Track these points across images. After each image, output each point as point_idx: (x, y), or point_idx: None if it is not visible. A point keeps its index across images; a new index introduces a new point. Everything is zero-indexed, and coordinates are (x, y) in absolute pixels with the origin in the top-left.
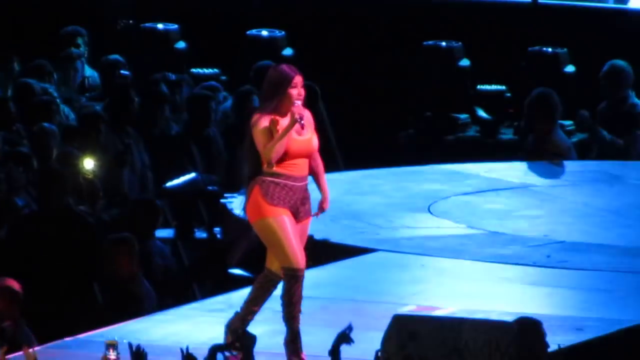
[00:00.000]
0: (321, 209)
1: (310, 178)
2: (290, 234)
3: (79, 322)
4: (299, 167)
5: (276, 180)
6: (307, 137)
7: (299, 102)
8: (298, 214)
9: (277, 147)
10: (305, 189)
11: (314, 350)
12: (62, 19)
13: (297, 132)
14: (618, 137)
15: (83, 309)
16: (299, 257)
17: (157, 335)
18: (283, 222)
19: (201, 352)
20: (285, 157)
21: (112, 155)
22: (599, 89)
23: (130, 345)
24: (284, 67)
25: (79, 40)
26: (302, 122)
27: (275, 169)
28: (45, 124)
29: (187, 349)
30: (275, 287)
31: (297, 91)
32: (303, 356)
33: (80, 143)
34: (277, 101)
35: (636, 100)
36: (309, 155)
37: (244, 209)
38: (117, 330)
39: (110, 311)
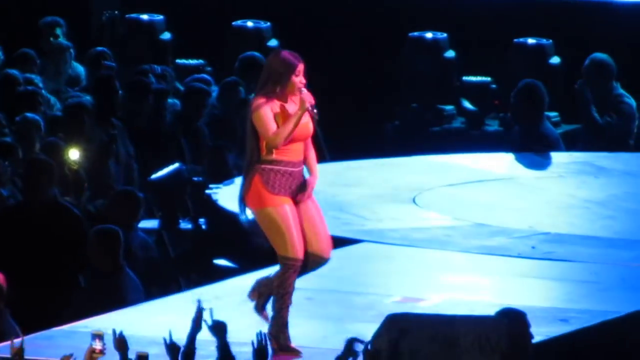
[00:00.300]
0: (309, 184)
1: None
2: (291, 224)
3: (64, 313)
4: (296, 151)
5: (275, 167)
6: (304, 121)
7: (304, 90)
8: (295, 199)
9: (285, 134)
10: (301, 174)
11: (300, 341)
12: (47, 10)
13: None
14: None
15: (68, 301)
16: (298, 247)
17: (142, 326)
18: (284, 211)
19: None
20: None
21: (96, 146)
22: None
23: (114, 331)
24: (287, 54)
25: (58, 31)
26: (315, 110)
27: (274, 155)
28: (29, 114)
29: (170, 337)
30: (297, 273)
31: (300, 79)
32: (292, 346)
33: (65, 133)
34: (279, 88)
35: (621, 90)
36: (304, 139)
37: (242, 197)
38: (102, 320)
39: (95, 303)
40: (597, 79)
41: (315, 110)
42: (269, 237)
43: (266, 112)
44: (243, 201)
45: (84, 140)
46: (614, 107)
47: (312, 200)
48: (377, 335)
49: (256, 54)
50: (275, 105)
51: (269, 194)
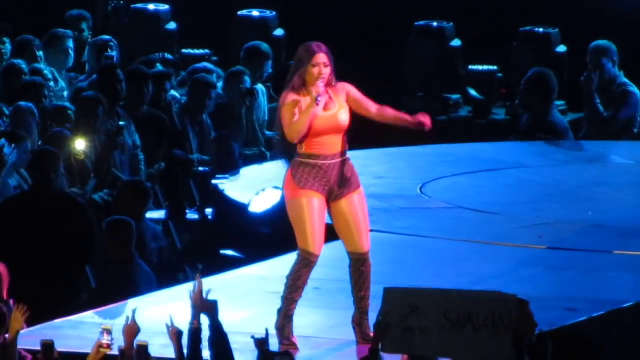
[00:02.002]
0: (424, 124)
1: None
2: (313, 217)
3: (70, 304)
4: (329, 144)
5: (306, 160)
6: (333, 112)
7: (321, 82)
8: (333, 193)
9: (296, 127)
10: (340, 167)
11: (305, 331)
12: (53, 0)
13: (326, 107)
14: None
15: (75, 291)
16: (317, 242)
17: (149, 317)
18: (308, 205)
19: None
20: (311, 135)
21: (104, 136)
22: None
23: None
24: (312, 44)
25: (84, 25)
26: (319, 100)
27: (304, 149)
28: (22, 103)
29: (172, 322)
30: (310, 269)
31: (318, 69)
32: (294, 339)
33: (76, 124)
34: (298, 78)
35: (625, 79)
36: (338, 131)
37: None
38: (109, 311)
39: (105, 294)
40: (600, 65)
41: (319, 100)
42: (294, 228)
43: (288, 107)
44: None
45: (94, 132)
46: (618, 95)
47: (358, 193)
48: (386, 310)
49: (261, 43)
50: (301, 99)
51: (296, 187)
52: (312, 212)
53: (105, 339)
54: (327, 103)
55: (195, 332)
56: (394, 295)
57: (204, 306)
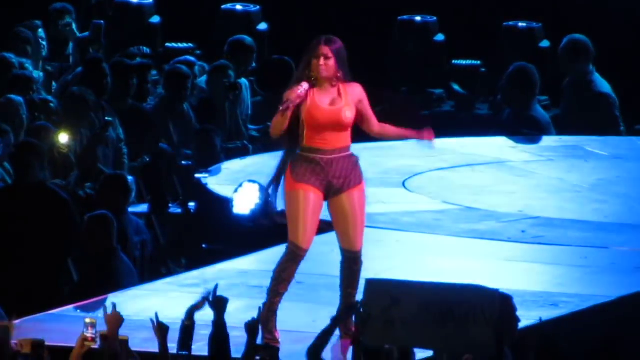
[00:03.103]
0: (426, 140)
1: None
2: (305, 212)
3: (52, 297)
4: (329, 139)
5: (305, 154)
6: (337, 107)
7: (305, 84)
8: (332, 189)
9: (274, 123)
10: (341, 163)
11: (289, 325)
12: None
13: (332, 102)
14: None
15: (57, 284)
16: (307, 237)
17: (131, 310)
18: (302, 199)
19: (175, 328)
20: (313, 128)
21: (89, 131)
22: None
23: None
24: (321, 37)
25: (67, 18)
26: (287, 103)
27: (305, 142)
28: (12, 96)
29: (157, 317)
30: (297, 263)
31: (318, 61)
32: (277, 334)
33: (63, 120)
34: (302, 70)
35: (596, 77)
36: (339, 127)
37: (273, 179)
38: (91, 305)
39: (87, 287)
40: (573, 59)
41: (287, 103)
42: (287, 221)
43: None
44: (273, 182)
45: (81, 126)
46: (588, 92)
47: (359, 190)
48: (368, 301)
49: (245, 37)
50: (303, 91)
51: (292, 179)
52: (306, 207)
53: (90, 333)
54: (334, 98)
55: (187, 329)
56: (376, 286)
57: (215, 300)
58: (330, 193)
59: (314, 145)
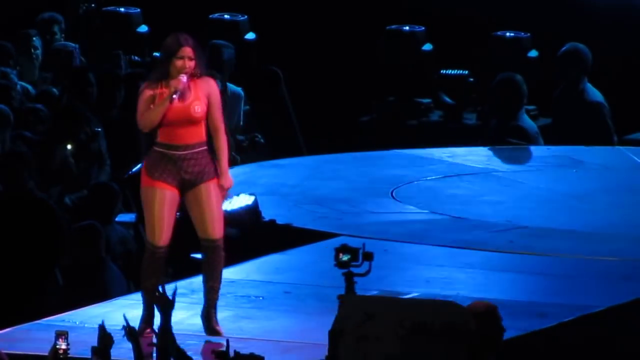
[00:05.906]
0: (220, 187)
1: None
2: (159, 209)
3: (40, 307)
4: (180, 135)
5: (158, 149)
6: (186, 103)
7: (184, 75)
8: (186, 184)
9: (149, 116)
10: (194, 158)
11: (278, 335)
12: (26, 3)
13: (181, 97)
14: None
15: (44, 294)
16: (160, 234)
17: (118, 320)
18: (155, 197)
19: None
20: (164, 124)
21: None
22: (554, 70)
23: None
24: (179, 36)
25: (55, 28)
26: (175, 97)
27: (159, 138)
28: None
29: (126, 321)
30: (154, 261)
31: (182, 62)
32: (150, 334)
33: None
34: (163, 69)
35: (588, 86)
36: (191, 123)
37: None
38: (79, 314)
39: (75, 297)
40: (569, 66)
41: (175, 96)
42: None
43: (142, 95)
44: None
45: (69, 138)
46: (580, 100)
47: (214, 183)
48: (341, 317)
49: (226, 43)
50: (158, 89)
51: (146, 176)
52: (160, 204)
53: (62, 344)
54: (184, 93)
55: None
56: (350, 302)
57: (162, 302)
58: (185, 188)
59: (167, 142)
